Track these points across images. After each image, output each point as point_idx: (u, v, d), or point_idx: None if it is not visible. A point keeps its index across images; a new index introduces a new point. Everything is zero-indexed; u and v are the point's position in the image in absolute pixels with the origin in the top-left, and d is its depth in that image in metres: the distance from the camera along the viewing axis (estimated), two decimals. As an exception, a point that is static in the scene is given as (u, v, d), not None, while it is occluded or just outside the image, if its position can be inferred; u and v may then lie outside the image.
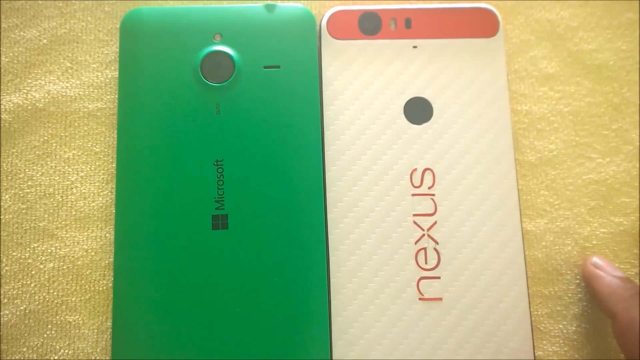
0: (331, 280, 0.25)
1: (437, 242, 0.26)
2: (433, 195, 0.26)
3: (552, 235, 0.27)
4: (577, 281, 0.27)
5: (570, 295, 0.27)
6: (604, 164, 0.28)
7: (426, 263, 0.26)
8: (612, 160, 0.28)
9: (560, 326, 0.26)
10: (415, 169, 0.27)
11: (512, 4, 0.29)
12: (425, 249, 0.26)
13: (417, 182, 0.26)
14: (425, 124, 0.27)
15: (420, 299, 0.25)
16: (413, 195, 0.26)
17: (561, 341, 0.26)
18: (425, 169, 0.27)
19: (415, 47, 0.28)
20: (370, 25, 0.28)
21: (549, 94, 0.29)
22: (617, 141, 0.28)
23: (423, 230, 0.26)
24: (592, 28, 0.29)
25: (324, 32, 0.28)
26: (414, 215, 0.26)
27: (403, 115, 0.27)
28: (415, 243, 0.26)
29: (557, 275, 0.27)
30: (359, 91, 0.27)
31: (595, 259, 0.27)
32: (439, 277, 0.26)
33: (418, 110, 0.27)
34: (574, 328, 0.26)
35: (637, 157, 0.28)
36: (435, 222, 0.26)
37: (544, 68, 0.29)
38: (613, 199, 0.28)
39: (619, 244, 0.27)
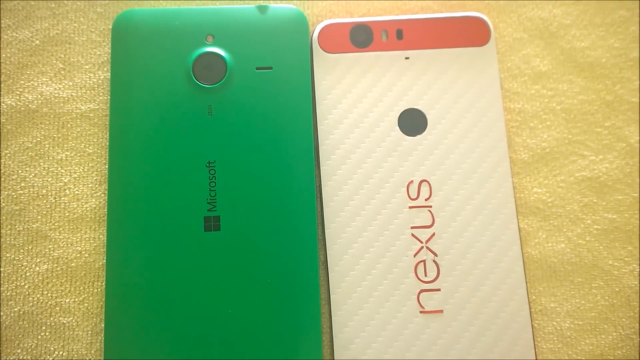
0: (331, 297, 0.25)
1: (435, 254, 0.26)
2: (430, 207, 0.26)
3: (545, 232, 0.27)
4: (571, 278, 0.27)
5: (563, 291, 0.27)
6: (597, 161, 0.28)
7: (426, 275, 0.26)
8: (605, 157, 0.28)
9: (554, 323, 0.27)
10: (412, 181, 0.26)
11: (505, 3, 0.29)
12: (424, 261, 0.26)
13: (413, 194, 0.26)
14: (419, 136, 0.27)
15: (421, 312, 0.25)
16: (410, 207, 0.26)
17: (555, 338, 0.26)
18: (422, 181, 0.26)
19: (407, 58, 0.27)
20: (361, 37, 0.28)
21: (542, 92, 0.28)
22: (610, 138, 0.28)
23: (421, 242, 0.26)
24: (585, 26, 0.29)
25: (316, 46, 0.27)
26: (412, 227, 0.26)
27: (397, 127, 0.27)
28: (414, 256, 0.26)
29: (551, 272, 0.27)
30: (353, 104, 0.27)
31: None
32: (439, 289, 0.26)
33: (412, 122, 0.27)
34: (567, 325, 0.26)
35: (630, 154, 0.28)
36: (434, 234, 0.26)
37: (537, 66, 0.29)
38: (606, 196, 0.28)
39: (612, 241, 0.27)
